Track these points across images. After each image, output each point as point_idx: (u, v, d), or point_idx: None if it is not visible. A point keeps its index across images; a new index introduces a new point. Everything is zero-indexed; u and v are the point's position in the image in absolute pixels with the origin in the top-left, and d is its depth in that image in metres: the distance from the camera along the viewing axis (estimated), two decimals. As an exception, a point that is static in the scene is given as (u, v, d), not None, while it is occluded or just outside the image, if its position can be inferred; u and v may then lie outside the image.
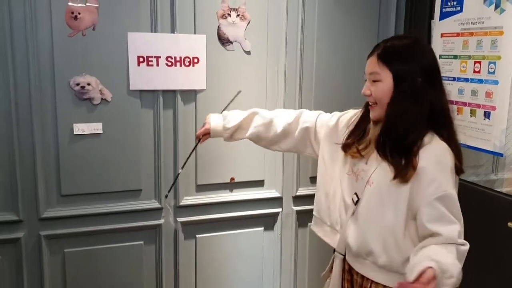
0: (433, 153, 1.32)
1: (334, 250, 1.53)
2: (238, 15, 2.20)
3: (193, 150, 1.77)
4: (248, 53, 2.25)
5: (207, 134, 1.71)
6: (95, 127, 2.05)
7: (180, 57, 2.13)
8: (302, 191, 2.43)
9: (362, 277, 1.45)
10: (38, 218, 2.03)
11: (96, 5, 1.98)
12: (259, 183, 2.38)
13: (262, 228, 2.41)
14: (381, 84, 1.35)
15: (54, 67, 1.96)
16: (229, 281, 2.40)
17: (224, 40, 2.20)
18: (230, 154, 2.29)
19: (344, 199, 1.47)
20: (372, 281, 1.42)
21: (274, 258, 2.48)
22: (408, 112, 1.32)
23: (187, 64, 2.15)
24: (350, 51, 2.41)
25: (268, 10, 2.25)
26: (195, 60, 2.16)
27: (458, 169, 1.35)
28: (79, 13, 1.95)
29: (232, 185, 2.34)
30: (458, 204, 1.31)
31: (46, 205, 2.04)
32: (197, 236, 2.31)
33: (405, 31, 2.48)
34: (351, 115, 1.55)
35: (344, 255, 1.50)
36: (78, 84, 1.99)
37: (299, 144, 1.66)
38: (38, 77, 1.95)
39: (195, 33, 2.15)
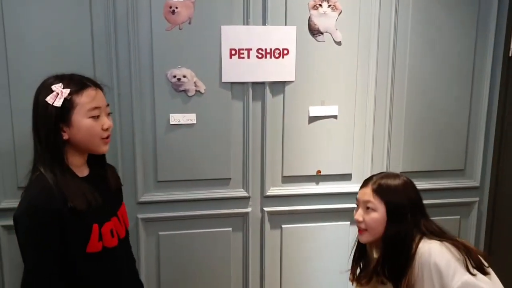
0: (427, 258, 1.46)
1: None
2: (329, 6, 2.16)
3: None
4: (339, 43, 2.21)
5: None
6: (190, 118, 2.13)
7: (271, 49, 2.14)
8: (391, 186, 2.36)
9: None
10: (136, 202, 2.16)
11: (192, 0, 2.05)
12: (346, 177, 2.35)
13: (349, 223, 2.36)
14: (374, 213, 1.56)
15: (153, 59, 2.06)
16: (314, 272, 2.40)
17: (314, 31, 2.18)
18: (317, 147, 2.28)
19: None
20: None
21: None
22: (400, 236, 1.52)
23: (277, 56, 2.16)
24: (447, 45, 2.30)
25: (360, 0, 2.19)
26: (285, 52, 2.16)
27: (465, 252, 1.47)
28: (176, 8, 2.03)
29: (319, 177, 2.33)
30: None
31: (143, 190, 2.16)
32: (283, 226, 2.33)
33: (508, 24, 2.31)
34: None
35: None
36: (174, 76, 2.08)
37: None
38: (138, 69, 2.06)
39: (285, 24, 2.15)
